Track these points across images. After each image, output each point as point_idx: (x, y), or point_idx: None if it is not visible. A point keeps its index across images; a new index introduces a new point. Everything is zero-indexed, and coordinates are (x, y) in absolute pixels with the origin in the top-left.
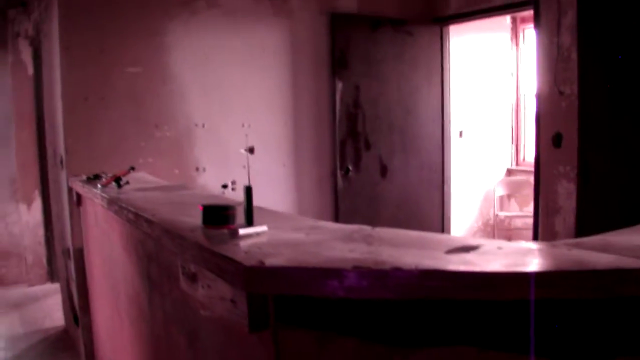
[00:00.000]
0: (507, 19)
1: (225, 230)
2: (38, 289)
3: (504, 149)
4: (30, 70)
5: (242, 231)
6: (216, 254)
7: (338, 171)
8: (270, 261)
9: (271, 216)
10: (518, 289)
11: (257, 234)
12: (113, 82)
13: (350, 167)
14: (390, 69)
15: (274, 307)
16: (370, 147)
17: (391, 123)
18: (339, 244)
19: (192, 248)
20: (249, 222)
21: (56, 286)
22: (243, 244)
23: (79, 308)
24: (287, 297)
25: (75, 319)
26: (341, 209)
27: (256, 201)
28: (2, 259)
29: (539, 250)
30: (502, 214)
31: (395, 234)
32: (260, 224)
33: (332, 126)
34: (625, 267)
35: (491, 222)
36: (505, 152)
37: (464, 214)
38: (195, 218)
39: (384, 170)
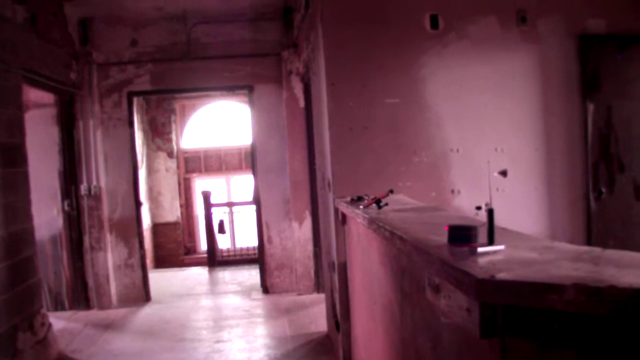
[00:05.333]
0: None
1: (466, 248)
2: (306, 297)
3: None
4: (302, 103)
5: (480, 249)
6: (456, 268)
7: (590, 194)
8: (500, 275)
9: (512, 236)
10: None
11: (495, 252)
12: (374, 113)
13: (603, 190)
14: None
15: (502, 316)
16: (624, 169)
17: None
18: (567, 263)
19: (437, 263)
20: (490, 241)
21: (321, 296)
22: (481, 260)
23: (340, 316)
24: (514, 308)
25: (337, 326)
26: (594, 232)
27: (508, 222)
28: (277, 269)
29: None
30: None
31: (623, 256)
32: (501, 243)
33: (583, 148)
34: None
35: None
36: None
37: None
38: (442, 237)
39: (639, 193)
